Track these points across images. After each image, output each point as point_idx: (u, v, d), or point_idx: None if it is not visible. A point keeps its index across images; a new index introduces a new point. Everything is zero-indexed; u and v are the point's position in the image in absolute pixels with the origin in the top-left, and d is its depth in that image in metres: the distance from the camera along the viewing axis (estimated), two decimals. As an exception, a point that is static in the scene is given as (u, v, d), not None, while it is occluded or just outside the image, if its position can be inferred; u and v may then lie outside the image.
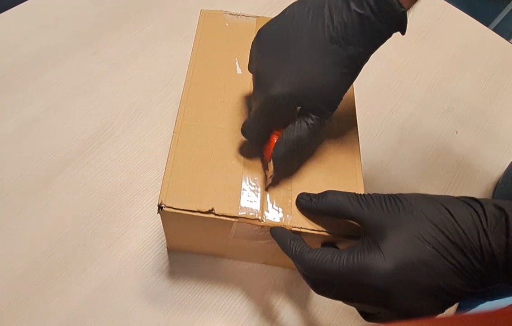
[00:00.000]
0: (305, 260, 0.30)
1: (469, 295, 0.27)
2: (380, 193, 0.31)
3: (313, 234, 0.34)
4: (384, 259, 0.27)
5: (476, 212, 0.26)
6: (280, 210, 0.34)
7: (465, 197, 0.28)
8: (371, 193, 0.32)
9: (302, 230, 0.34)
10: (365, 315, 0.32)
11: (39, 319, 0.42)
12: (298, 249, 0.31)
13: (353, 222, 0.32)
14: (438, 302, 0.27)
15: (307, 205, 0.34)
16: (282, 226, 0.34)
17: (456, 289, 0.26)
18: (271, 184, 0.35)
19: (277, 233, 0.33)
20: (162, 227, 0.40)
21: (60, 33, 0.63)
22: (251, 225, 0.34)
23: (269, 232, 0.36)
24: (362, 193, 0.32)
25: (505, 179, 0.54)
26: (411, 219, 0.28)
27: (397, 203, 0.29)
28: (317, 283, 0.31)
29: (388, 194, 0.30)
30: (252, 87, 0.36)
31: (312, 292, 0.45)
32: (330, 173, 0.36)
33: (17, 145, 0.52)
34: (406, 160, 0.56)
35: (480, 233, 0.26)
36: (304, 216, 0.34)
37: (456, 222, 0.26)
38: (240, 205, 0.34)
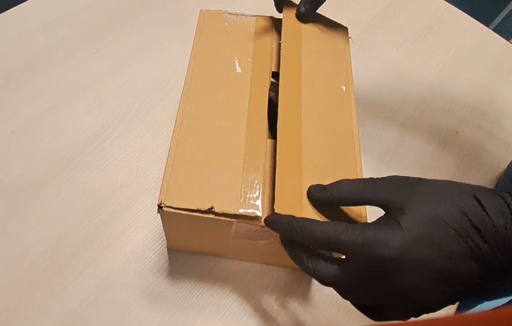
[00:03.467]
0: (316, 230, 0.29)
1: (481, 288, 0.26)
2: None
3: None
4: (402, 234, 0.26)
5: (506, 202, 0.26)
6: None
7: (494, 189, 0.27)
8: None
9: None
10: (369, 312, 0.31)
11: (39, 319, 0.42)
12: (305, 223, 0.30)
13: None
14: (449, 289, 0.26)
15: (319, 195, 0.33)
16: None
17: (472, 274, 0.25)
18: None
19: (273, 219, 0.32)
20: (162, 227, 0.40)
21: (60, 33, 0.63)
22: (251, 225, 0.34)
23: (269, 232, 0.35)
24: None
25: (504, 179, 0.54)
26: (434, 200, 0.27)
27: (419, 184, 0.29)
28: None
29: (409, 176, 0.30)
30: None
31: (312, 292, 0.45)
32: (330, 174, 0.36)
33: (17, 145, 0.52)
34: (406, 161, 0.56)
35: (508, 224, 0.25)
36: (304, 215, 0.34)
37: (484, 209, 0.26)
38: (240, 204, 0.34)
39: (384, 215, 0.29)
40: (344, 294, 0.30)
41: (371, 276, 0.28)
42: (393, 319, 0.29)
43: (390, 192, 0.29)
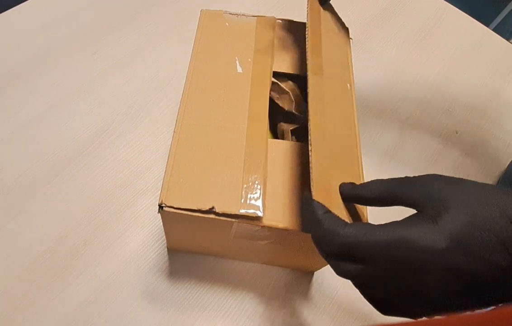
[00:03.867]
0: (342, 234, 0.27)
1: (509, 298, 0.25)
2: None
3: None
4: (439, 235, 0.24)
5: None
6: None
7: None
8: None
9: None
10: (378, 304, 0.30)
11: (39, 319, 0.42)
12: (331, 223, 0.28)
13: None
14: (476, 297, 0.25)
15: (351, 192, 0.32)
16: (284, 227, 0.34)
17: (506, 286, 0.24)
18: None
19: (307, 200, 0.31)
20: (162, 227, 0.40)
21: (60, 33, 0.63)
22: (252, 225, 0.34)
23: (269, 232, 0.35)
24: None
25: (505, 179, 0.54)
26: (476, 202, 0.25)
27: (458, 184, 0.27)
28: (345, 259, 0.29)
29: (446, 175, 0.28)
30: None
31: (312, 292, 0.45)
32: (340, 170, 0.36)
33: (17, 145, 0.52)
34: (406, 161, 0.56)
35: None
36: (334, 208, 0.33)
37: None
38: (241, 204, 0.34)
39: (417, 214, 0.27)
40: (361, 287, 0.30)
41: (398, 275, 0.26)
42: (403, 316, 0.28)
43: (427, 191, 0.27)
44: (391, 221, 0.27)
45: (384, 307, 0.29)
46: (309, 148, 0.33)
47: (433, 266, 0.25)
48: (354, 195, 0.32)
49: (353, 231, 0.27)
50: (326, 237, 0.29)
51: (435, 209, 0.26)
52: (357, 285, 0.30)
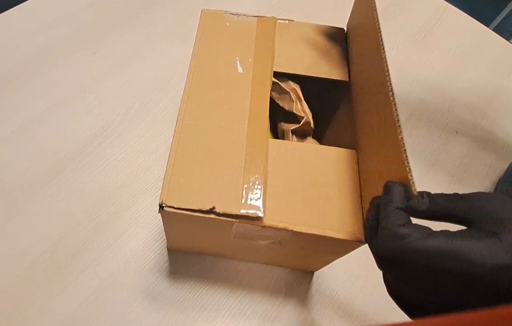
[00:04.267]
0: (399, 235, 0.26)
1: None
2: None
3: (319, 236, 0.34)
4: (503, 251, 0.24)
5: None
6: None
7: None
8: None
9: (306, 232, 0.33)
10: (405, 306, 0.29)
11: (39, 319, 0.42)
12: (390, 222, 0.27)
13: None
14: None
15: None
16: (284, 227, 0.34)
17: None
18: None
19: (390, 188, 0.29)
20: (162, 227, 0.40)
21: (60, 33, 0.63)
22: (252, 225, 0.34)
23: (269, 232, 0.36)
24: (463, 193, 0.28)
25: (505, 179, 0.54)
26: None
27: None
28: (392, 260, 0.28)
29: (496, 193, 0.28)
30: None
31: (312, 292, 0.45)
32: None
33: (17, 145, 0.52)
34: (406, 161, 0.56)
35: None
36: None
37: None
38: (241, 204, 0.34)
39: (471, 229, 0.26)
40: (392, 285, 0.29)
41: (443, 283, 0.26)
42: (429, 312, 0.27)
43: (485, 207, 0.27)
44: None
45: (411, 309, 0.29)
46: (399, 136, 0.33)
47: (490, 280, 0.24)
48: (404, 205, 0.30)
49: (409, 231, 0.26)
50: (383, 236, 0.28)
51: (494, 225, 0.25)
52: (388, 281, 0.29)
